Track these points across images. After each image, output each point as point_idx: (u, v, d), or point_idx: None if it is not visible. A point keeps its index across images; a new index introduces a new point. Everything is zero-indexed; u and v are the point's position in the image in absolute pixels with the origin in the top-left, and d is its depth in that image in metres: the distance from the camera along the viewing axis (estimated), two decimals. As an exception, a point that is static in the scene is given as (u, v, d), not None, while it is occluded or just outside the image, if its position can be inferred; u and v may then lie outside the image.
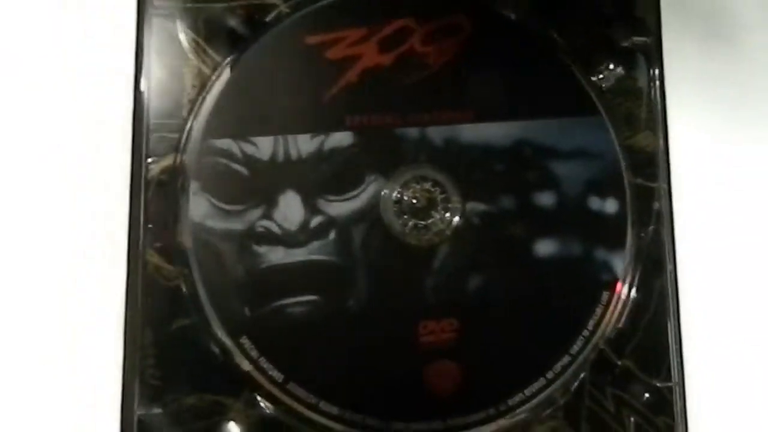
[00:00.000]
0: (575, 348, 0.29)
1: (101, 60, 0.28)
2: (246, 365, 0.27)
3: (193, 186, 0.27)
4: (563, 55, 0.31)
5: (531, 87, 0.30)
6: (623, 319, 0.30)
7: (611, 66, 0.32)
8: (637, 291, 0.30)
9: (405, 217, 0.29)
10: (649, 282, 0.31)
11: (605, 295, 0.30)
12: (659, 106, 0.32)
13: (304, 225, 0.28)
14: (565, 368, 0.29)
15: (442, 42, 0.30)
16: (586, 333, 0.30)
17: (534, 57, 0.31)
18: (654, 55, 0.32)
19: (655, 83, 0.32)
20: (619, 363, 0.30)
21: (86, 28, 0.28)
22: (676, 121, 0.32)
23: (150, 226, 0.27)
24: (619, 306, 0.30)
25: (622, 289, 0.30)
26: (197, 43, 0.28)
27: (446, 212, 0.29)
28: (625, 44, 0.32)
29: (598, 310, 0.30)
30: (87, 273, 0.27)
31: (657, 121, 0.32)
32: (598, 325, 0.30)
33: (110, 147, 0.27)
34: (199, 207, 0.27)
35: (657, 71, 0.32)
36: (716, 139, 0.33)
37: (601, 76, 0.32)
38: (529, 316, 0.29)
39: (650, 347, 0.30)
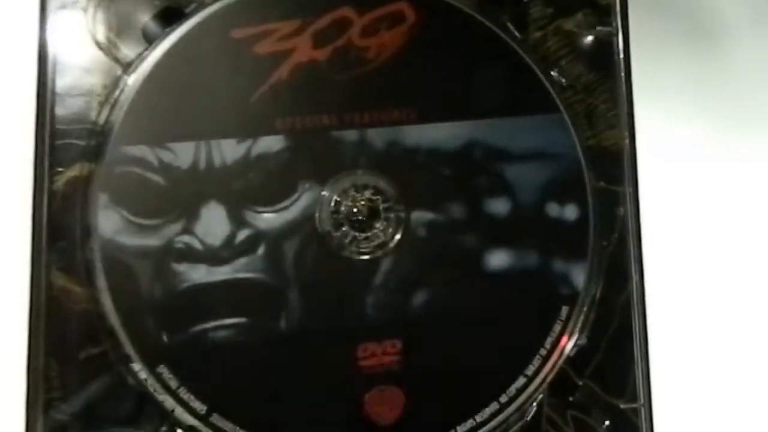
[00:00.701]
0: (531, 368, 0.27)
1: (-2, 58, 0.25)
2: (165, 397, 0.24)
3: (103, 198, 0.24)
4: (518, 48, 0.28)
5: (482, 83, 0.28)
6: (584, 335, 0.28)
7: (572, 59, 0.29)
8: (599, 304, 0.28)
9: (343, 228, 0.27)
10: (613, 294, 0.28)
11: (564, 310, 0.28)
12: (625, 103, 0.29)
13: (229, 240, 0.25)
14: (520, 391, 0.27)
15: (383, 34, 0.27)
16: (543, 352, 0.27)
17: (486, 50, 0.28)
18: (619, 47, 0.29)
19: (620, 77, 0.29)
20: (580, 383, 0.28)
21: None
22: (644, 119, 0.29)
23: (57, 243, 0.24)
24: (580, 322, 0.28)
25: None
26: (109, 39, 0.25)
27: (389, 223, 0.27)
28: (588, 35, 0.29)
29: (557, 327, 0.27)
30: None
31: (622, 118, 0.29)
32: (556, 342, 0.27)
33: (10, 155, 0.25)
34: (109, 222, 0.24)
35: (623, 64, 0.29)
36: (687, 138, 0.30)
37: (560, 70, 0.29)
38: (481, 335, 0.27)
39: (614, 365, 0.28)
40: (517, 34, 0.29)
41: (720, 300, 0.29)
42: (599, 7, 0.29)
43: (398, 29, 0.27)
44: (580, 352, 0.28)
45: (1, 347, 0.24)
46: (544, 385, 0.27)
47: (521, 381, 0.27)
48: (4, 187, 0.25)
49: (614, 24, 0.29)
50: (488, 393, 0.27)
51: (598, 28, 0.29)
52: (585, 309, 0.28)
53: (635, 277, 0.28)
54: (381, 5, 0.27)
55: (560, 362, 0.27)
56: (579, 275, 0.28)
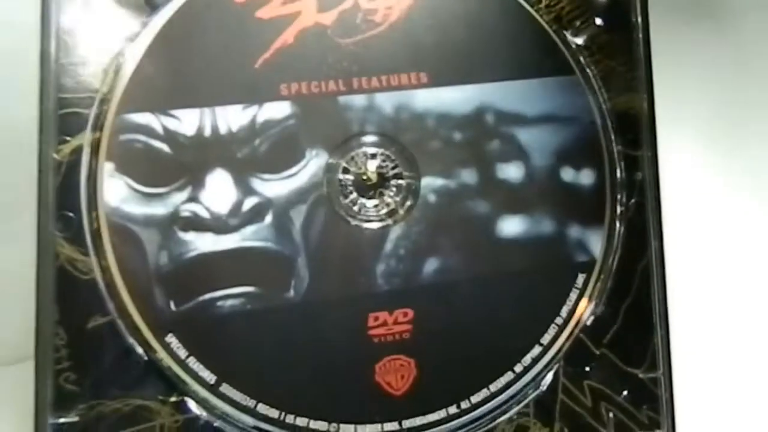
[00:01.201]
0: (547, 337, 0.26)
1: (1, 28, 0.25)
2: (173, 366, 0.24)
3: (108, 167, 0.24)
4: (531, 8, 0.27)
5: (494, 45, 0.27)
6: (602, 304, 0.27)
7: (588, 19, 0.28)
8: (617, 272, 0.27)
9: (352, 195, 0.26)
10: (631, 262, 0.27)
11: (581, 277, 0.27)
12: (643, 64, 0.28)
13: (236, 208, 0.25)
14: (535, 360, 0.26)
15: (390, -4, 0.26)
16: (559, 320, 0.26)
17: (496, 11, 0.27)
18: (637, 6, 0.28)
19: (638, 38, 0.28)
20: (598, 353, 0.27)
21: None
22: (663, 81, 0.28)
23: (63, 213, 0.24)
24: (597, 290, 0.27)
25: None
26: (110, 7, 0.25)
27: (398, 189, 0.26)
28: (604, -6, 0.28)
29: (573, 295, 0.27)
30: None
31: (641, 80, 0.28)
32: (573, 311, 0.27)
33: (14, 125, 0.24)
34: (115, 191, 0.24)
35: (641, 24, 0.28)
36: (708, 99, 0.29)
37: (575, 31, 0.28)
38: (494, 304, 0.26)
39: (632, 335, 0.27)
40: (529, -6, 0.28)
41: (740, 268, 0.28)
42: (615, -35, 0.28)
43: (406, -9, 0.26)
44: (598, 320, 0.27)
45: (10, 317, 0.24)
46: (561, 355, 0.26)
47: (537, 350, 0.26)
48: (10, 157, 0.24)
49: (631, -20, 0.28)
50: (502, 362, 0.26)
51: (614, -14, 0.28)
52: (602, 277, 0.27)
53: (654, 244, 0.27)
54: (388, -34, 0.26)
55: (577, 331, 0.27)
56: (596, 242, 0.27)
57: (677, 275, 0.27)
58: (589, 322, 0.27)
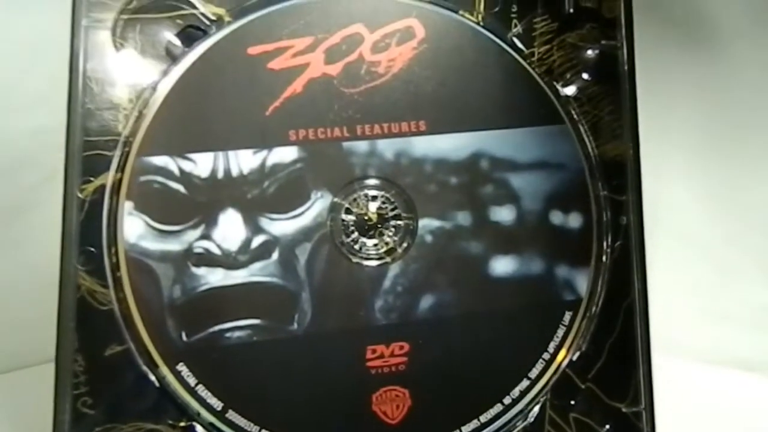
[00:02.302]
0: (535, 372, 0.28)
1: (33, 75, 0.27)
2: (183, 393, 0.26)
3: (128, 206, 0.26)
4: (524, 60, 0.29)
5: (488, 96, 0.29)
6: (587, 340, 0.29)
7: (577, 71, 0.30)
8: (602, 310, 0.29)
9: (354, 235, 0.28)
10: (616, 301, 0.29)
11: (568, 315, 0.28)
12: (629, 114, 0.30)
13: (245, 245, 0.27)
14: (523, 393, 0.28)
15: (393, 49, 0.28)
16: (546, 356, 0.28)
17: (491, 64, 0.29)
18: (624, 60, 0.30)
19: (625, 89, 0.30)
20: (583, 387, 0.28)
21: (19, 40, 0.27)
22: (648, 130, 0.30)
23: (85, 247, 0.26)
24: (583, 327, 0.28)
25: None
26: (133, 56, 0.27)
27: (397, 230, 0.28)
28: (593, 48, 0.30)
29: (560, 332, 0.28)
30: (18, 296, 0.26)
31: (627, 129, 0.30)
32: (559, 347, 0.28)
33: (43, 166, 0.26)
34: (134, 228, 0.26)
35: (627, 77, 0.30)
36: (691, 149, 0.31)
37: (566, 82, 0.30)
38: (485, 339, 0.28)
39: (616, 370, 0.29)
40: (522, 47, 0.30)
41: (721, 304, 0.30)
42: (605, 21, 0.30)
43: (407, 44, 0.28)
44: (583, 356, 0.28)
45: (32, 344, 0.26)
46: (547, 388, 0.28)
47: (525, 383, 0.28)
48: (38, 195, 0.26)
49: (619, 37, 0.30)
50: (492, 394, 0.27)
51: (603, 42, 0.30)
52: (588, 315, 0.29)
53: (638, 284, 0.29)
54: (391, 22, 0.28)
55: (563, 366, 0.28)
56: (582, 282, 0.29)
57: (660, 313, 0.29)
58: (574, 358, 0.28)
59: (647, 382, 0.28)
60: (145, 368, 0.26)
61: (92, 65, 0.27)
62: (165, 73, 0.27)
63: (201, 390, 0.26)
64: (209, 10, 0.27)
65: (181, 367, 0.26)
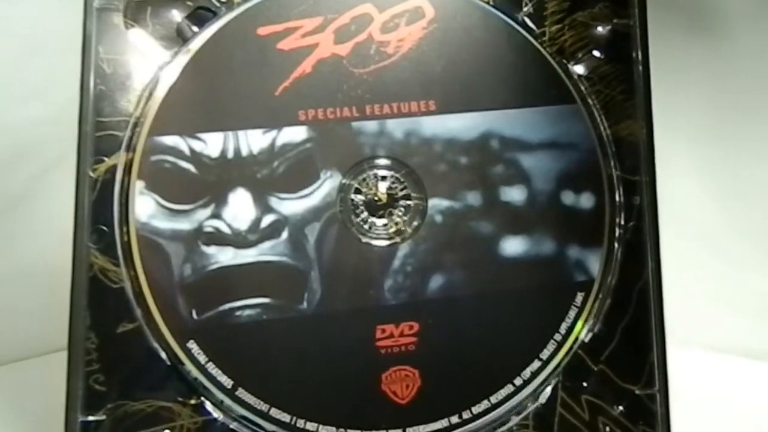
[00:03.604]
0: (546, 353, 0.28)
1: (45, 57, 0.27)
2: (193, 371, 0.26)
3: (139, 185, 0.26)
4: (534, 40, 0.29)
5: (498, 75, 0.29)
6: (600, 322, 0.28)
7: (589, 51, 0.30)
8: (615, 292, 0.28)
9: (363, 215, 0.28)
10: (629, 282, 0.29)
11: (579, 296, 0.28)
12: (642, 94, 0.30)
13: (255, 224, 0.27)
14: (534, 374, 0.27)
15: (402, 29, 0.28)
16: (558, 337, 0.28)
17: (502, 43, 0.29)
18: (637, 39, 0.30)
19: (638, 69, 0.30)
20: (596, 369, 0.28)
21: (33, 24, 0.28)
22: (661, 110, 0.30)
23: (97, 226, 0.26)
24: (595, 308, 0.28)
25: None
26: (145, 38, 0.27)
27: (407, 210, 0.28)
28: (605, 27, 0.30)
29: (572, 313, 0.28)
30: (32, 274, 0.26)
31: (639, 108, 0.30)
32: (571, 328, 0.28)
33: (55, 146, 0.27)
34: (145, 207, 0.26)
35: (640, 56, 0.30)
36: (704, 127, 0.30)
37: (577, 61, 0.29)
38: (496, 319, 0.28)
39: (629, 352, 0.28)
40: (533, 27, 0.29)
41: (735, 287, 0.29)
42: (617, 0, 0.30)
43: (417, 24, 0.28)
44: (596, 338, 0.28)
45: (45, 323, 0.26)
46: (559, 370, 0.28)
47: (536, 364, 0.27)
48: (51, 175, 0.27)
49: (632, 16, 0.30)
50: (503, 375, 0.27)
51: (615, 20, 0.30)
52: (600, 296, 0.28)
53: (651, 265, 0.29)
54: (400, 2, 0.28)
55: (575, 347, 0.28)
56: (594, 263, 0.28)
57: (674, 293, 0.29)
58: (587, 339, 0.28)
59: (661, 364, 0.28)
60: (155, 345, 0.26)
61: (104, 47, 0.27)
62: (176, 54, 0.27)
63: (211, 367, 0.26)
64: (219, -8, 0.28)
65: (192, 345, 0.26)
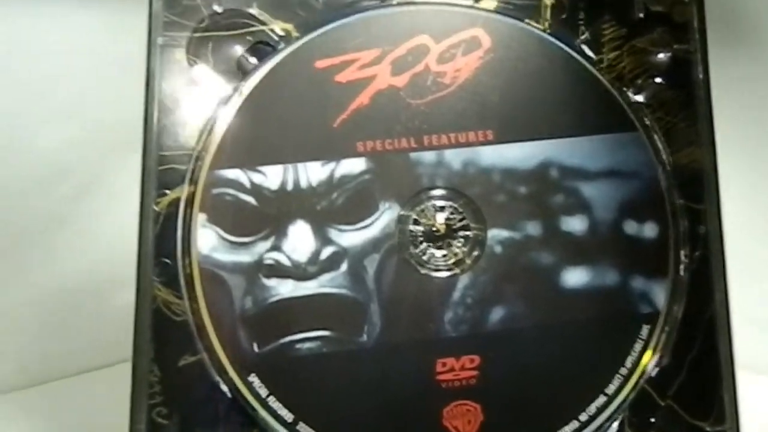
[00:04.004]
0: (612, 388, 0.27)
1: (111, 91, 0.28)
2: (255, 404, 0.26)
3: (201, 218, 0.26)
4: (593, 67, 0.29)
5: (557, 103, 0.28)
6: (667, 355, 0.27)
7: (649, 77, 0.29)
8: (682, 324, 0.27)
9: (422, 246, 0.28)
10: (696, 313, 0.28)
11: (645, 328, 0.27)
12: (704, 120, 0.29)
13: (315, 256, 0.27)
14: (600, 410, 0.27)
15: (459, 59, 0.28)
16: (623, 371, 0.27)
17: (559, 71, 0.28)
18: (697, 64, 0.29)
19: (699, 94, 0.29)
20: (663, 404, 0.27)
21: (97, 61, 0.28)
22: (725, 136, 0.29)
23: (160, 259, 0.26)
24: (662, 341, 0.27)
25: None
26: (206, 73, 0.28)
27: (466, 240, 0.28)
28: (665, 53, 0.29)
29: (637, 346, 0.27)
30: (97, 307, 0.27)
31: (702, 135, 0.29)
32: (637, 362, 0.27)
33: (121, 180, 0.27)
34: (206, 239, 0.26)
35: (702, 81, 0.29)
36: (751, 164, 0.29)
37: (637, 88, 0.29)
38: (559, 352, 0.27)
39: (698, 387, 0.27)
40: (591, 54, 0.29)
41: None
42: (676, 25, 0.29)
43: (473, 54, 0.28)
44: (663, 372, 0.27)
45: (108, 353, 0.26)
46: (625, 405, 0.27)
47: (601, 400, 0.27)
48: (116, 208, 0.27)
49: (692, 41, 0.29)
50: (567, 411, 0.27)
51: (676, 46, 0.29)
52: (667, 328, 0.27)
53: (719, 296, 0.28)
54: (456, 32, 0.28)
55: (642, 382, 0.27)
56: (660, 294, 0.27)
57: (743, 326, 0.28)
58: (653, 374, 0.27)
59: (732, 399, 0.27)
60: (217, 378, 0.26)
61: (167, 83, 0.27)
62: (236, 88, 0.28)
63: (272, 401, 0.26)
64: (278, 26, 0.28)
65: (253, 378, 0.26)
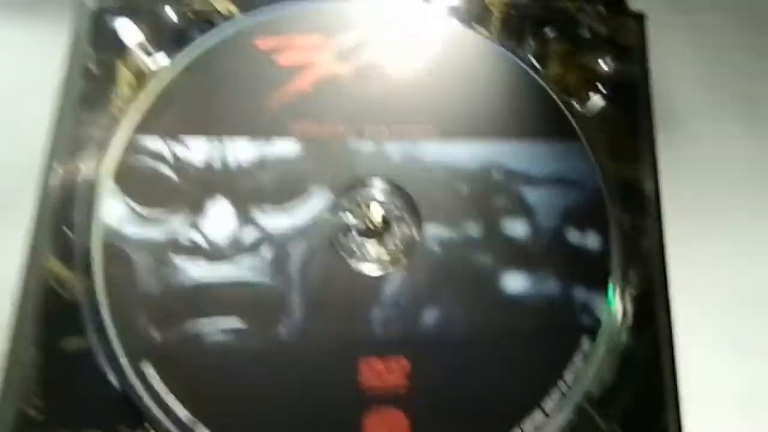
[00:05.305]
0: (550, 405, 0.24)
1: (29, 52, 0.26)
2: (147, 399, 0.22)
3: (109, 186, 0.24)
4: (539, 78, 0.28)
5: (502, 107, 0.28)
6: (610, 372, 0.25)
7: (593, 92, 0.29)
8: (627, 339, 0.26)
9: (354, 239, 0.25)
10: (641, 329, 0.26)
11: (586, 342, 0.25)
12: (647, 135, 0.29)
13: (234, 238, 0.24)
14: (538, 429, 0.24)
15: (405, 53, 0.27)
16: (563, 387, 0.25)
17: (507, 75, 0.28)
18: (641, 84, 0.29)
19: (643, 112, 0.29)
20: (604, 426, 0.25)
21: (24, 19, 0.26)
22: (667, 155, 0.29)
23: (60, 229, 0.24)
24: (603, 356, 0.25)
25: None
26: (139, 40, 0.26)
27: (402, 237, 0.26)
28: (610, 71, 0.29)
29: (578, 360, 0.25)
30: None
31: (645, 150, 0.29)
32: (578, 378, 0.25)
33: (28, 141, 0.25)
34: (113, 210, 0.24)
35: (645, 99, 0.29)
36: (712, 173, 0.29)
37: (582, 100, 0.29)
38: (494, 361, 0.25)
39: (642, 408, 0.25)
40: (538, 66, 0.29)
41: (755, 336, 0.27)
42: (620, 45, 0.30)
43: (421, 49, 0.28)
44: (605, 390, 0.25)
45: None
46: (565, 426, 0.24)
47: (539, 418, 0.24)
48: (16, 167, 0.24)
49: (636, 59, 0.30)
50: (500, 427, 0.24)
51: (619, 63, 0.29)
52: (610, 343, 0.26)
53: (662, 315, 0.26)
54: (404, 26, 0.28)
55: (582, 401, 0.25)
56: (600, 305, 0.26)
57: (690, 342, 0.26)
58: (596, 391, 0.25)
59: (675, 420, 0.25)
60: (106, 367, 0.22)
61: (93, 49, 0.26)
62: (172, 60, 0.26)
63: (168, 397, 0.22)
64: (221, 5, 0.27)
65: (147, 368, 0.22)
